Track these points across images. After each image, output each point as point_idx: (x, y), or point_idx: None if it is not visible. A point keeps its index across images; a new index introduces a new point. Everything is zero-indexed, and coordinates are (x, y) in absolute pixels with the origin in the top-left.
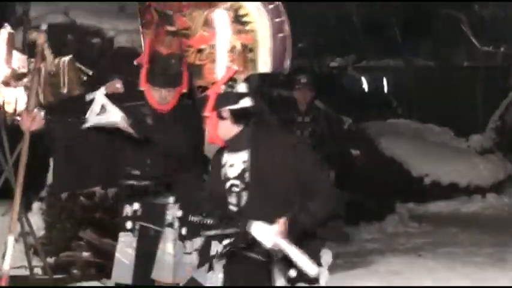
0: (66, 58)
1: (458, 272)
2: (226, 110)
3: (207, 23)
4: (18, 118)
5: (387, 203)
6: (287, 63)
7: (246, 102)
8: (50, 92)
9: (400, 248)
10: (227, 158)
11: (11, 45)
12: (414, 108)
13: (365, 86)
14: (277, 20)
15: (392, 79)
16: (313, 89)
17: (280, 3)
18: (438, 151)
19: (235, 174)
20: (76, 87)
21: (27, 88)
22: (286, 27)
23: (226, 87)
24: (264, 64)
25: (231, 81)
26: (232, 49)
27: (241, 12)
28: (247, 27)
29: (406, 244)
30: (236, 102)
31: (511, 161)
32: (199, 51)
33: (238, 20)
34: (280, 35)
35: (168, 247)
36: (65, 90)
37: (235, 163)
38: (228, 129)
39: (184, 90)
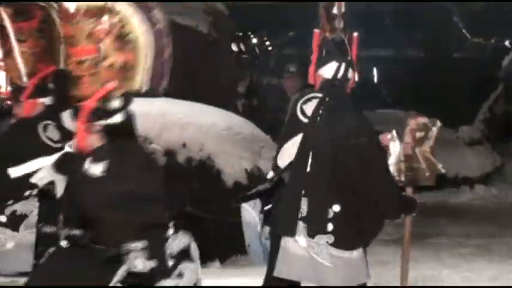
0: None
1: (445, 263)
2: (97, 125)
3: (91, 36)
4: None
5: None
6: (163, 84)
7: (117, 118)
8: None
9: (388, 238)
10: (88, 165)
11: None
12: (403, 98)
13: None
14: (160, 42)
15: (382, 69)
16: (303, 78)
17: (164, 26)
18: None
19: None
20: None
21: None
22: (168, 52)
23: (101, 103)
24: (141, 83)
25: (107, 96)
26: (112, 65)
27: (127, 29)
28: (131, 45)
29: (394, 234)
30: (108, 117)
31: (499, 152)
32: (80, 62)
33: (122, 36)
34: (161, 58)
35: None
36: None
37: (96, 173)
38: (94, 141)
39: None
